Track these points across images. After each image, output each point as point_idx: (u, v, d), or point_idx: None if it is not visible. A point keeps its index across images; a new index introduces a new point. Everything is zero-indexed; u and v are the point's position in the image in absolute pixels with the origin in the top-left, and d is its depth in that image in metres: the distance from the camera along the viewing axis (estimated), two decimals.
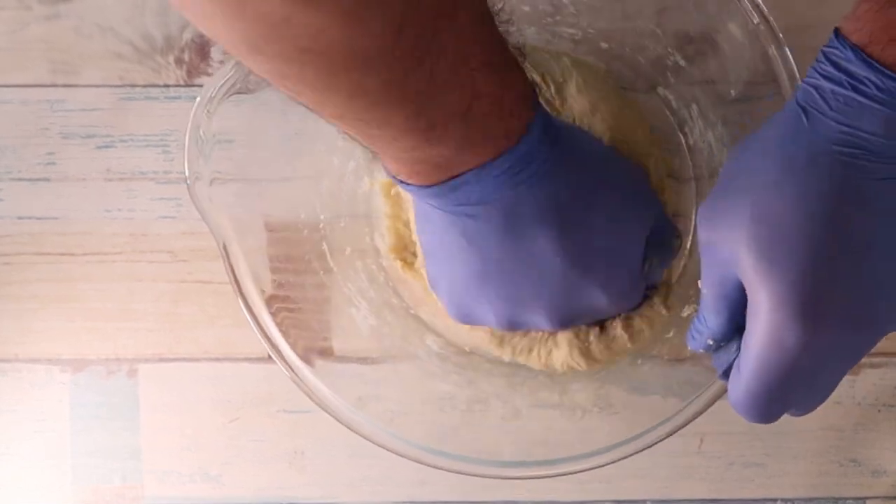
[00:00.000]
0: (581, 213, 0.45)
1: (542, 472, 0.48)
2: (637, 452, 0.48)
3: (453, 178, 0.41)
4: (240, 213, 0.49)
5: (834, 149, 0.37)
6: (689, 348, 0.45)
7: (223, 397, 0.58)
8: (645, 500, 0.58)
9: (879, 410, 0.58)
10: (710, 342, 0.43)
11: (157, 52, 0.58)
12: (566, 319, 0.49)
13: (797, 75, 0.47)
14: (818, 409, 0.57)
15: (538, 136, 0.42)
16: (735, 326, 0.42)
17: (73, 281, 0.58)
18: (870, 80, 0.36)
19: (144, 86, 0.58)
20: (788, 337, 0.38)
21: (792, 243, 0.38)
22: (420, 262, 0.53)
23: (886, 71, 0.36)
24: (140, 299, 0.58)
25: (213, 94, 0.47)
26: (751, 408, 0.41)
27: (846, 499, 0.58)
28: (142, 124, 0.58)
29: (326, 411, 0.49)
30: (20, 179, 0.58)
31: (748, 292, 0.39)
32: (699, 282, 0.43)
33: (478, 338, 0.54)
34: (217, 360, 0.58)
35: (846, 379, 0.57)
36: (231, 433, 0.58)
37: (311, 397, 0.49)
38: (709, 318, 0.43)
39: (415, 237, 0.53)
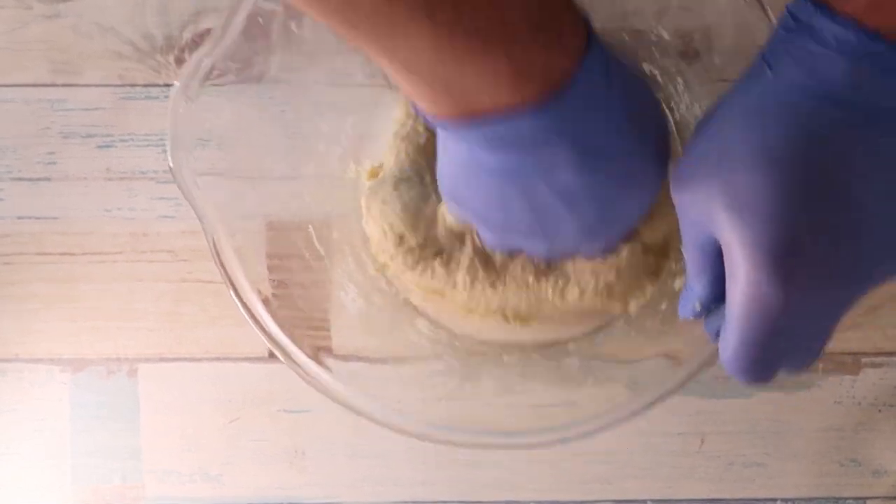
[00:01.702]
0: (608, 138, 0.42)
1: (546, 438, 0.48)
2: (633, 416, 0.48)
3: (489, 115, 0.39)
4: (226, 200, 0.49)
5: (798, 100, 0.37)
6: (680, 316, 0.44)
7: (224, 397, 0.58)
8: (645, 500, 0.58)
9: (880, 410, 0.58)
10: (698, 307, 0.43)
11: (157, 52, 0.58)
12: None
13: None
14: (818, 409, 0.58)
15: (597, 74, 0.39)
16: (721, 288, 0.41)
17: (74, 281, 0.58)
18: (830, 31, 0.36)
19: (145, 85, 0.58)
20: (767, 293, 0.37)
21: (761, 195, 0.37)
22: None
23: (846, 21, 0.36)
24: (140, 299, 0.58)
25: (190, 78, 0.47)
26: (740, 369, 0.40)
27: (847, 499, 0.58)
28: (142, 124, 0.58)
29: (329, 396, 0.49)
30: (20, 179, 0.58)
31: (724, 251, 0.39)
32: (681, 247, 0.42)
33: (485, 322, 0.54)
34: (217, 359, 0.58)
35: (847, 379, 0.57)
36: (231, 433, 0.58)
37: (315, 386, 0.49)
38: (693, 282, 0.42)
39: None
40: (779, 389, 0.58)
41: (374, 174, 0.55)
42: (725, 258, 0.39)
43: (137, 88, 0.58)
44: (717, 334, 0.42)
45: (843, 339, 0.58)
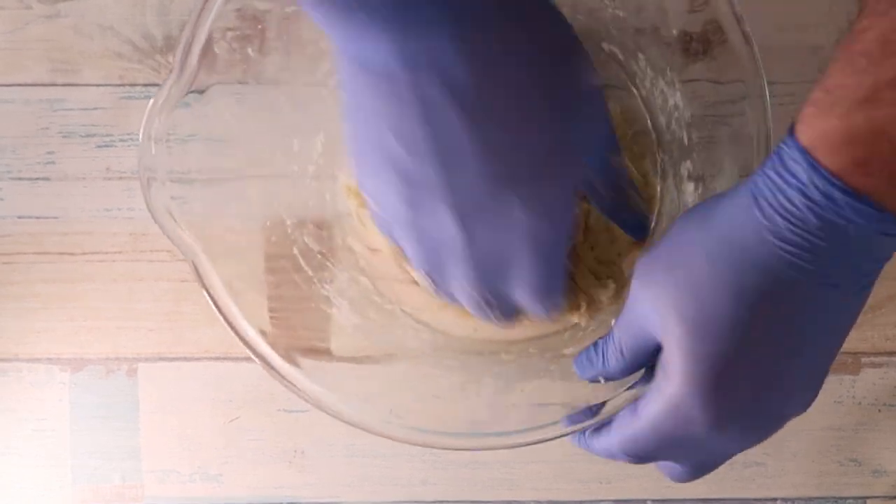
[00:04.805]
0: (505, 96, 0.39)
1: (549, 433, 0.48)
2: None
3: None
4: (206, 223, 0.49)
5: (777, 243, 0.37)
6: (578, 374, 0.46)
7: (223, 397, 0.58)
8: (645, 500, 0.58)
9: (880, 410, 0.58)
10: (601, 381, 0.45)
11: (157, 52, 0.57)
12: (475, 220, 0.42)
13: (738, 13, 0.47)
14: (818, 408, 0.58)
15: None
16: (628, 373, 0.44)
17: (73, 280, 0.58)
18: (814, 185, 0.36)
19: (145, 85, 0.57)
20: (688, 406, 0.40)
21: (717, 326, 0.38)
22: None
23: (830, 178, 0.35)
24: (140, 298, 0.58)
25: (166, 97, 0.47)
26: (621, 453, 0.44)
27: (847, 498, 0.58)
28: (142, 123, 0.58)
29: (324, 410, 0.49)
30: (20, 179, 0.58)
31: (665, 357, 0.40)
32: (613, 321, 0.43)
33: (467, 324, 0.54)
34: (217, 359, 0.58)
35: (847, 378, 0.57)
36: (231, 433, 0.58)
37: (304, 399, 0.49)
38: (609, 359, 0.43)
39: None
40: None
41: (350, 190, 0.55)
42: (662, 362, 0.40)
43: (137, 88, 0.58)
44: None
45: None
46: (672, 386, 0.40)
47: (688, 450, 0.43)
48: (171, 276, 0.57)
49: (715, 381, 0.39)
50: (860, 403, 0.58)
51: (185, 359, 0.58)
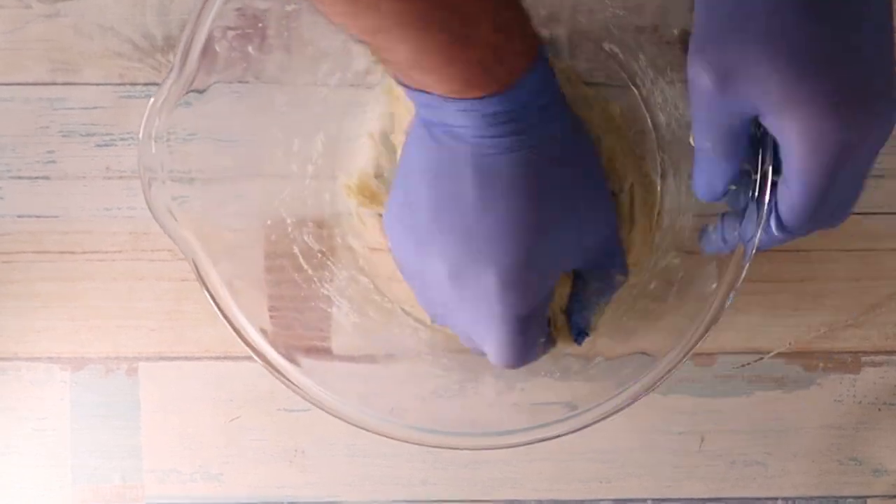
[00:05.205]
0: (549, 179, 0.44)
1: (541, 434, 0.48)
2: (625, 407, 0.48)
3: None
4: (205, 223, 0.49)
5: None
6: (705, 199, 0.46)
7: (224, 396, 0.58)
8: (646, 500, 0.58)
9: (880, 409, 0.58)
10: (733, 187, 0.45)
11: (157, 51, 0.57)
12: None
13: None
14: (818, 407, 0.58)
15: (540, 79, 0.42)
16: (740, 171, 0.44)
17: (74, 279, 0.58)
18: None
19: (145, 84, 0.57)
20: (842, 135, 0.39)
21: (815, 51, 0.39)
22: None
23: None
24: (140, 298, 0.58)
25: (165, 97, 0.47)
26: (804, 221, 0.43)
27: (847, 498, 0.58)
28: (142, 122, 0.58)
29: (324, 410, 0.49)
30: (20, 178, 0.58)
31: (781, 115, 0.40)
32: (691, 138, 0.44)
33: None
34: (218, 358, 0.58)
35: (847, 377, 0.57)
36: (232, 432, 0.58)
37: (304, 397, 0.49)
38: (722, 165, 0.43)
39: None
40: (779, 388, 0.58)
41: (349, 189, 0.55)
42: (787, 120, 0.40)
43: (137, 87, 0.58)
44: (719, 233, 0.46)
45: (843, 337, 0.58)
46: (811, 131, 0.39)
47: (849, 176, 0.42)
48: (171, 275, 0.57)
49: (850, 95, 0.39)
50: (860, 402, 0.58)
51: (186, 358, 0.58)
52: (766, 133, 0.42)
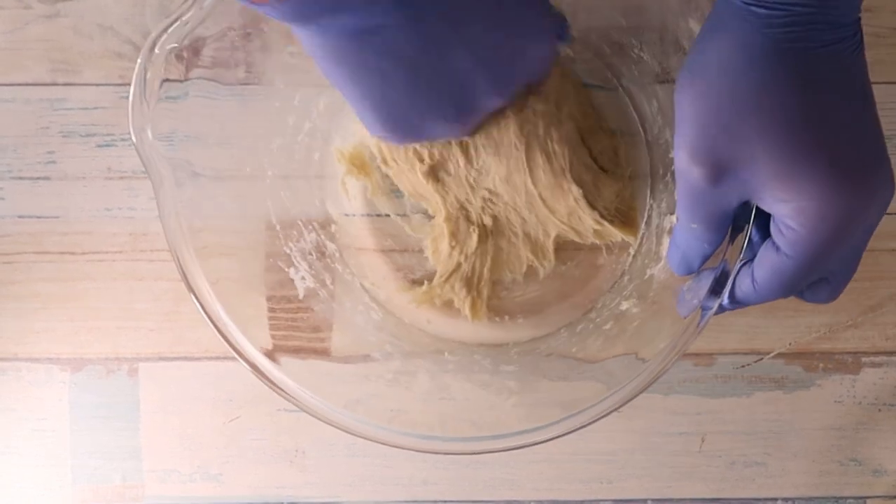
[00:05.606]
0: None
1: (459, 447, 0.48)
2: (568, 432, 0.47)
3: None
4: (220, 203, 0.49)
5: (779, 31, 0.38)
6: (679, 273, 0.45)
7: (224, 396, 0.58)
8: (646, 500, 0.58)
9: (880, 410, 0.58)
10: (697, 265, 0.44)
11: None
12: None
13: None
14: (819, 408, 0.58)
15: None
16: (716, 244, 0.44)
17: (74, 280, 0.58)
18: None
19: None
20: (845, 204, 0.39)
21: (804, 136, 0.38)
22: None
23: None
24: (140, 298, 0.58)
25: (154, 46, 0.47)
26: (787, 289, 0.42)
27: (847, 498, 0.58)
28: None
29: (317, 418, 0.48)
30: (21, 178, 0.58)
31: (776, 196, 0.39)
32: (674, 217, 0.44)
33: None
34: (217, 359, 0.58)
35: (847, 378, 0.57)
36: (231, 432, 0.58)
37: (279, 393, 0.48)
38: (704, 247, 0.43)
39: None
40: (779, 389, 0.58)
41: (340, 153, 0.55)
42: (783, 200, 0.39)
43: None
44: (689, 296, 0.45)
45: (843, 338, 0.58)
46: (811, 210, 0.39)
47: (845, 249, 0.42)
48: (171, 275, 0.57)
49: (846, 170, 0.39)
50: (860, 403, 0.58)
51: (186, 358, 0.58)
52: (748, 209, 0.42)
